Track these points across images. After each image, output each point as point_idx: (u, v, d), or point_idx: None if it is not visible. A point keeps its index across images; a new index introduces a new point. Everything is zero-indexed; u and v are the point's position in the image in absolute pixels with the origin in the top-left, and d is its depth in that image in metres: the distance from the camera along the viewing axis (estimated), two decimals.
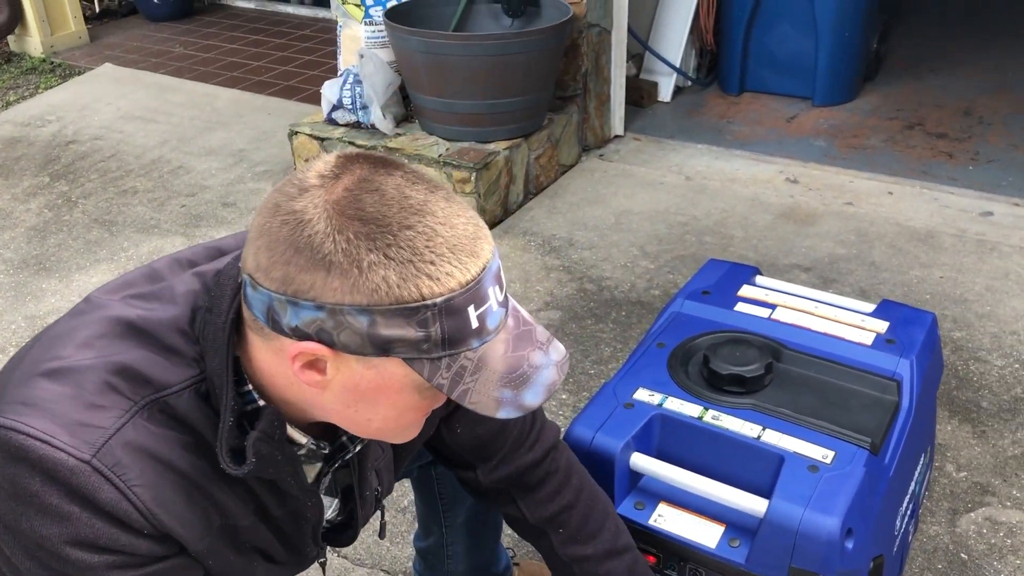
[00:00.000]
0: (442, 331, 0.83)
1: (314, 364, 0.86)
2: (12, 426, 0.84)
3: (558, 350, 0.94)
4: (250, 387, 0.93)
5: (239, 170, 3.60)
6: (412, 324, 0.82)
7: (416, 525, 1.73)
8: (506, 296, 0.90)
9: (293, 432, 0.99)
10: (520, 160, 3.17)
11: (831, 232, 2.99)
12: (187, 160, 3.70)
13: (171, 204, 3.37)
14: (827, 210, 3.13)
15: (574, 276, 2.83)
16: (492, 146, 3.08)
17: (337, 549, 1.93)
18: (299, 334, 0.84)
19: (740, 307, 1.67)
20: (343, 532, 1.18)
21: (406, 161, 0.86)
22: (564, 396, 2.33)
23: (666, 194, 3.29)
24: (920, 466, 1.69)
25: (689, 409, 1.44)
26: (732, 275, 1.77)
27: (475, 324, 0.85)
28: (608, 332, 2.57)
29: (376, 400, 0.89)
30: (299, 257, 0.81)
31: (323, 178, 0.84)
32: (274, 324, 0.85)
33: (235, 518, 0.98)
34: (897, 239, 2.94)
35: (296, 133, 3.33)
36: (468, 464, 1.28)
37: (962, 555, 1.86)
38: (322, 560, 1.18)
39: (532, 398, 0.89)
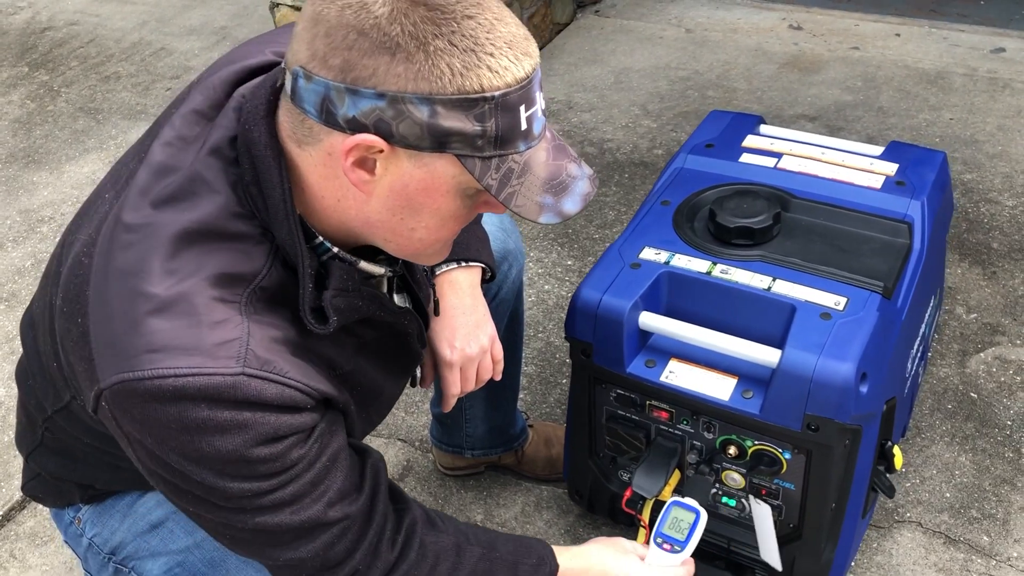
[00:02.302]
0: (497, 127, 0.83)
1: (364, 162, 0.86)
2: (157, 374, 0.84)
3: (587, 167, 0.96)
4: (320, 239, 0.94)
5: (223, 48, 3.48)
6: (471, 117, 0.82)
7: (431, 393, 1.75)
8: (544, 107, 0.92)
9: (368, 267, 1.00)
10: None
11: (837, 79, 2.90)
12: (168, 41, 3.58)
13: (156, 88, 3.27)
14: (832, 56, 3.02)
15: (574, 140, 2.76)
16: None
17: None
18: (355, 126, 0.83)
19: (745, 158, 1.62)
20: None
21: None
22: (570, 262, 2.31)
23: (666, 49, 3.17)
24: (930, 308, 1.68)
25: (697, 265, 1.41)
26: (735, 126, 1.71)
27: (524, 125, 0.85)
28: (612, 196, 2.52)
29: (422, 205, 0.89)
30: (363, 40, 0.80)
31: None
32: (328, 117, 0.83)
33: (341, 367, 1.00)
34: (905, 82, 2.85)
35: (278, 5, 3.20)
36: None
37: (972, 394, 1.87)
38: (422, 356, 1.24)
39: (571, 205, 0.91)
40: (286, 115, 0.88)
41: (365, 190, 0.88)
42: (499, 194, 0.86)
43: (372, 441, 1.91)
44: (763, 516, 1.39)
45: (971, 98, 2.74)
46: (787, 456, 1.34)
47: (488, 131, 0.83)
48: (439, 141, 0.83)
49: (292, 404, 0.90)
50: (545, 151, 0.90)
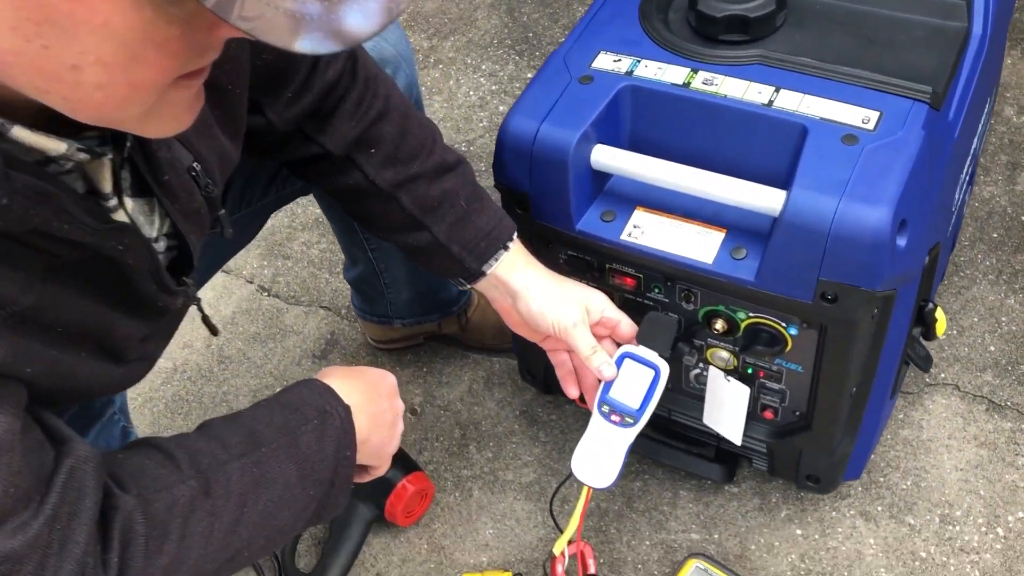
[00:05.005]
0: None
1: None
2: None
3: None
4: None
5: None
6: None
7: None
8: None
9: (36, 138, 0.59)
10: None
11: None
12: None
13: None
14: None
15: None
16: None
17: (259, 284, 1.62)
18: None
19: None
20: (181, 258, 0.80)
21: None
22: (530, 75, 1.89)
23: None
24: (984, 116, 1.29)
25: (671, 74, 1.02)
26: None
27: None
28: None
29: (72, 17, 0.48)
30: None
31: None
32: None
33: (13, 300, 0.63)
34: None
35: None
36: (253, 106, 0.88)
37: (1023, 218, 1.51)
38: (196, 299, 0.85)
39: (360, 21, 0.49)
40: None
41: None
42: None
43: (290, 309, 1.58)
44: (737, 396, 1.07)
45: None
46: (792, 332, 1.00)
47: None
48: None
49: None
50: None
